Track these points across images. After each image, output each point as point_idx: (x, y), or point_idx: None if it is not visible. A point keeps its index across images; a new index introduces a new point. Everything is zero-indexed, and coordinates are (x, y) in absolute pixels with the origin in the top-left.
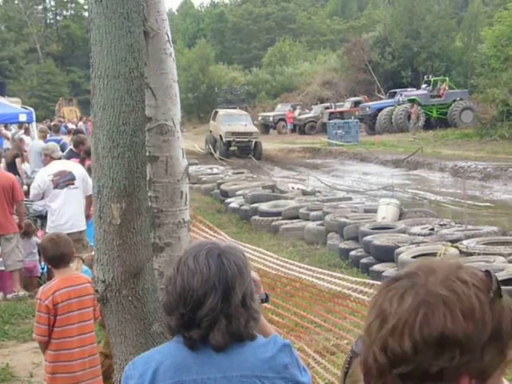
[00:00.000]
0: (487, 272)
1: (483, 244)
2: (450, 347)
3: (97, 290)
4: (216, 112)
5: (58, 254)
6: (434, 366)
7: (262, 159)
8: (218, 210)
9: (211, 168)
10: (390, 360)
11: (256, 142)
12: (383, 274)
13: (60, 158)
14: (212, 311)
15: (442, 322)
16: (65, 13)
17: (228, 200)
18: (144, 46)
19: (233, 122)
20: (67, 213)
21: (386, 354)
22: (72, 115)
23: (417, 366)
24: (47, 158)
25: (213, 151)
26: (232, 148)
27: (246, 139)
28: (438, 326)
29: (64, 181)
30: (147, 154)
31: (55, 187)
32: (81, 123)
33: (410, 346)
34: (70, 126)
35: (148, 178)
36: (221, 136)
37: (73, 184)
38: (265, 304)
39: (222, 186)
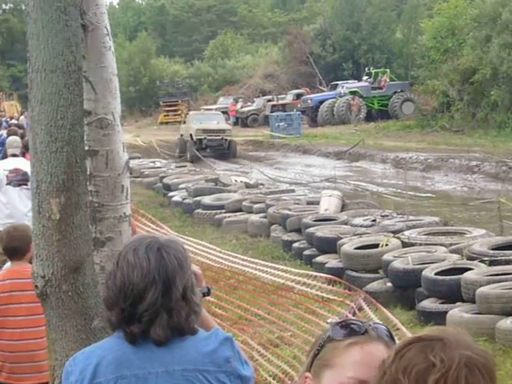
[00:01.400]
0: None
1: (424, 234)
2: None
3: (36, 286)
4: (186, 114)
5: (10, 247)
6: None
7: (237, 157)
8: (160, 203)
9: (154, 162)
10: None
11: (230, 141)
12: (326, 265)
13: (14, 155)
14: (152, 305)
15: (479, 381)
16: (4, 6)
17: (171, 194)
18: (82, 40)
19: (204, 120)
20: (17, 213)
21: None
22: (13, 110)
23: None
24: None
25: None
26: (204, 147)
27: (219, 137)
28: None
29: (18, 180)
30: (87, 148)
31: (8, 183)
32: (22, 117)
33: None
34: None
35: (88, 173)
36: (191, 135)
37: (26, 185)
38: (207, 297)
39: (165, 180)
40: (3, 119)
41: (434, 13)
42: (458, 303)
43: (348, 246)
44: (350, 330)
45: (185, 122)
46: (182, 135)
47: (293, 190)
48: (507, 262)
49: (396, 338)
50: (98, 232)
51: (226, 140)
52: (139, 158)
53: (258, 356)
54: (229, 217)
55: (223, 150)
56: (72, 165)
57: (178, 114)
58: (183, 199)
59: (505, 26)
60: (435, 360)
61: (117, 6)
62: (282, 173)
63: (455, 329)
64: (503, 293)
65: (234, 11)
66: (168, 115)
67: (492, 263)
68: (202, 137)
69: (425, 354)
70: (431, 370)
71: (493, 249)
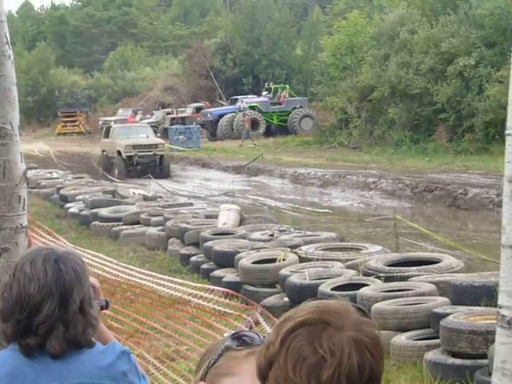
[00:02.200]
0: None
1: (321, 250)
2: None
3: None
4: (108, 128)
5: None
6: None
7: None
8: (57, 215)
9: (50, 172)
10: None
11: (162, 157)
12: (223, 279)
13: None
14: (49, 318)
15: (371, 363)
16: None
17: (68, 205)
18: None
19: (131, 134)
20: None
21: None
22: None
23: None
24: None
25: (102, 170)
26: (135, 164)
27: (151, 153)
28: (368, 367)
29: None
30: None
31: None
32: None
33: None
34: None
35: None
36: (119, 152)
37: None
38: (105, 310)
39: (62, 191)
40: None
41: (333, 30)
42: None
43: (245, 260)
44: (242, 341)
45: (107, 136)
46: (104, 151)
47: (191, 204)
48: (402, 279)
49: None
50: None
51: (158, 156)
52: (36, 168)
53: (153, 370)
54: (126, 229)
55: (155, 168)
56: None
57: (77, 125)
58: (80, 211)
59: (403, 45)
60: (325, 354)
61: (16, 15)
62: (180, 186)
63: (337, 303)
64: (398, 309)
65: (134, 23)
66: (66, 126)
67: (388, 279)
68: (133, 153)
69: (313, 347)
70: (323, 365)
71: (388, 265)
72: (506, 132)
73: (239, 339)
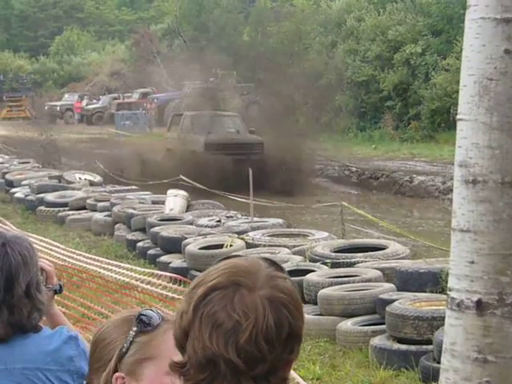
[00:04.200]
0: (276, 264)
1: (268, 236)
2: (294, 340)
3: None
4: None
5: None
6: (281, 361)
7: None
8: (2, 199)
9: None
10: (248, 363)
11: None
12: (170, 265)
13: None
14: None
15: (288, 319)
16: None
17: (13, 190)
18: None
19: (215, 127)
20: None
21: (243, 359)
22: None
23: (271, 363)
24: None
25: None
26: None
27: (243, 156)
28: (286, 324)
29: None
30: None
31: None
32: None
33: (266, 348)
34: None
35: None
36: (195, 152)
37: None
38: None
39: (7, 176)
40: None
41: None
42: None
43: (192, 246)
44: (140, 321)
45: (169, 129)
46: (169, 149)
47: (138, 189)
48: (349, 265)
49: None
50: None
51: (254, 160)
52: None
53: None
54: (72, 214)
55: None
56: None
57: (22, 110)
58: (26, 196)
59: (350, 32)
60: (239, 318)
61: None
62: None
63: (248, 261)
64: (344, 295)
65: (80, 7)
66: (11, 110)
67: (334, 265)
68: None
69: (226, 312)
70: (239, 329)
71: (335, 251)
72: (458, 117)
73: (138, 320)
